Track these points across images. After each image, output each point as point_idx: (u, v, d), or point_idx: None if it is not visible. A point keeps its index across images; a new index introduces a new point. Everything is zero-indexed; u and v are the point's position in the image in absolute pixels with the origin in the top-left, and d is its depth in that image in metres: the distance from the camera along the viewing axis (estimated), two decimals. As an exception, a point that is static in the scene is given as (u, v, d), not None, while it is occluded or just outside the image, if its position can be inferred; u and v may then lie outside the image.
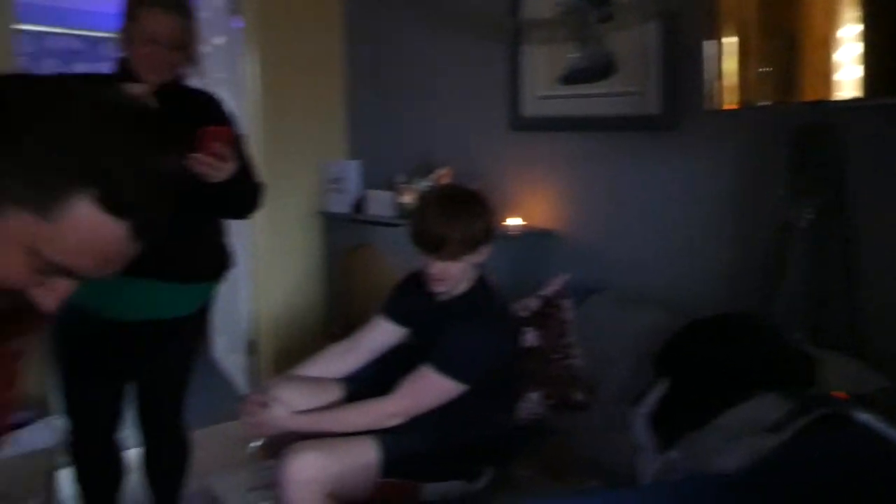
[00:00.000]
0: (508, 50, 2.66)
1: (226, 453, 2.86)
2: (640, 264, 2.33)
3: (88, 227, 0.71)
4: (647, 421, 1.64)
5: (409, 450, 1.72)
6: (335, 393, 1.91)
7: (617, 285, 2.33)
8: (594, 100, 2.42)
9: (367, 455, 1.68)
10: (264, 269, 3.25)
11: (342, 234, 3.27)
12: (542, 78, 2.57)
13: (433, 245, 1.67)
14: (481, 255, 1.76)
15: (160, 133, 0.77)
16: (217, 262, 1.96)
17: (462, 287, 1.79)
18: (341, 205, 3.23)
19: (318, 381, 1.91)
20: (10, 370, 0.97)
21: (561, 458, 1.95)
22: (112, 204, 0.71)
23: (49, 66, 4.96)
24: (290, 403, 1.80)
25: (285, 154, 3.18)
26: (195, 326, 1.98)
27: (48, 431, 2.27)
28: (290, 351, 3.33)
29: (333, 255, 3.37)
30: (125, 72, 1.79)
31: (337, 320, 3.31)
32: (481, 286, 1.82)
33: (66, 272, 0.74)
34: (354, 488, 1.70)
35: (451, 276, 1.73)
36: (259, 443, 2.53)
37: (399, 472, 1.73)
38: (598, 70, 2.41)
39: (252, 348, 3.40)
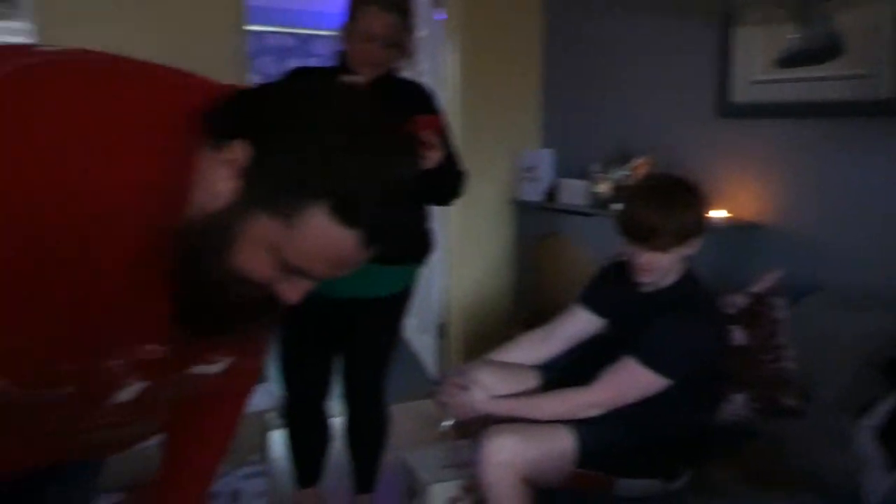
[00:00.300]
0: (717, 32, 2.51)
1: (416, 430, 2.99)
2: (862, 262, 2.12)
3: (322, 235, 0.75)
4: (876, 435, 1.50)
5: (605, 442, 1.70)
6: (531, 380, 1.92)
7: (832, 284, 2.14)
8: (816, 84, 2.23)
9: (563, 443, 1.68)
10: (458, 255, 3.34)
11: (534, 222, 3.28)
12: (757, 61, 2.41)
13: (643, 235, 1.63)
14: (691, 247, 1.69)
15: (399, 142, 0.79)
16: (420, 246, 2.04)
17: (669, 279, 1.73)
18: (534, 193, 3.24)
19: (515, 367, 1.94)
20: (259, 344, 1.07)
21: (767, 465, 1.84)
22: (345, 215, 0.74)
23: (265, 63, 5.40)
24: (488, 387, 1.83)
25: (481, 143, 3.24)
26: (398, 306, 2.07)
27: (265, 396, 2.48)
28: (478, 336, 3.40)
29: (524, 243, 3.39)
30: (343, 65, 1.90)
31: (525, 308, 3.34)
32: (689, 279, 1.74)
33: (302, 273, 0.79)
34: (548, 475, 1.70)
35: (659, 267, 1.67)
36: (451, 422, 2.61)
37: (594, 464, 1.71)
38: (821, 51, 2.22)
39: (442, 331, 3.51)
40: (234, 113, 0.78)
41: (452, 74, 3.28)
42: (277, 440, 2.71)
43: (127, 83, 0.78)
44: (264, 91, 0.81)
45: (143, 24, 2.41)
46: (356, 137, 0.75)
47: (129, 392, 0.86)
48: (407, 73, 2.13)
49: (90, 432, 0.91)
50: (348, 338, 2.07)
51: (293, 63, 5.40)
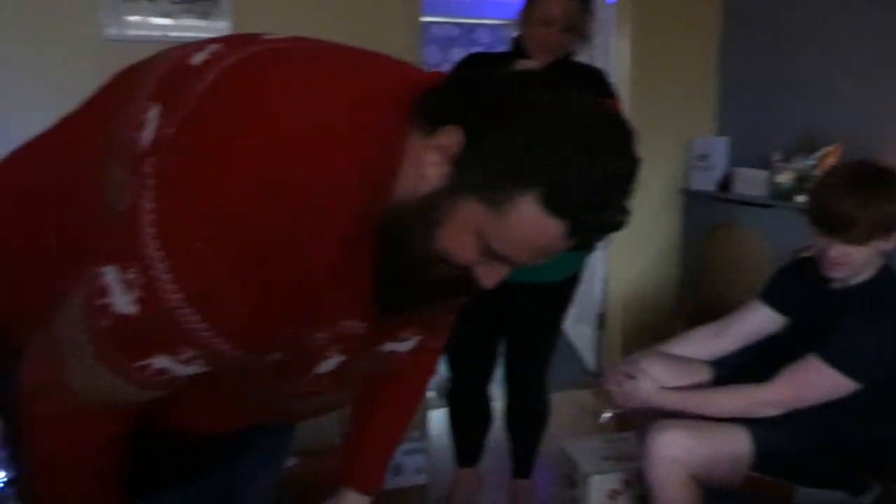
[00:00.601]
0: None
1: (573, 420, 2.97)
2: None
3: (529, 224, 0.76)
4: None
5: (785, 446, 1.60)
6: (703, 375, 1.84)
7: None
8: None
9: (738, 444, 1.60)
10: (621, 244, 3.26)
11: (704, 212, 3.14)
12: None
13: (839, 226, 1.51)
14: (891, 241, 1.54)
15: (617, 137, 0.78)
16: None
17: (863, 275, 1.59)
18: (706, 183, 3.09)
19: (685, 360, 1.86)
20: (446, 324, 1.10)
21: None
22: (556, 205, 0.75)
23: (430, 53, 5.52)
24: (656, 378, 1.78)
25: (651, 129, 3.12)
26: (566, 292, 2.06)
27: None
28: (638, 328, 3.31)
29: (692, 233, 3.25)
30: (519, 50, 1.90)
31: (690, 301, 3.20)
32: (887, 276, 1.60)
33: (504, 259, 0.80)
34: (720, 477, 1.63)
35: (853, 261, 1.55)
36: (612, 414, 2.57)
37: (772, 469, 1.61)
38: None
39: (601, 322, 3.45)
40: (445, 99, 0.80)
41: (622, 59, 3.19)
42: (437, 419, 2.78)
43: (340, 68, 0.83)
44: (476, 78, 0.82)
45: (326, 19, 2.53)
46: (574, 127, 0.75)
47: (328, 364, 0.91)
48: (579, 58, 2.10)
49: (291, 399, 0.97)
50: (515, 322, 2.08)
51: (457, 52, 5.52)
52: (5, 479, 1.80)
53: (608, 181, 0.76)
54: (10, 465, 1.21)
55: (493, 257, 0.80)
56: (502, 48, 2.06)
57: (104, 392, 0.81)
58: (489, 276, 0.83)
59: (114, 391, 0.81)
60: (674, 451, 1.60)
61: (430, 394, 2.59)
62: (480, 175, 0.76)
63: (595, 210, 0.77)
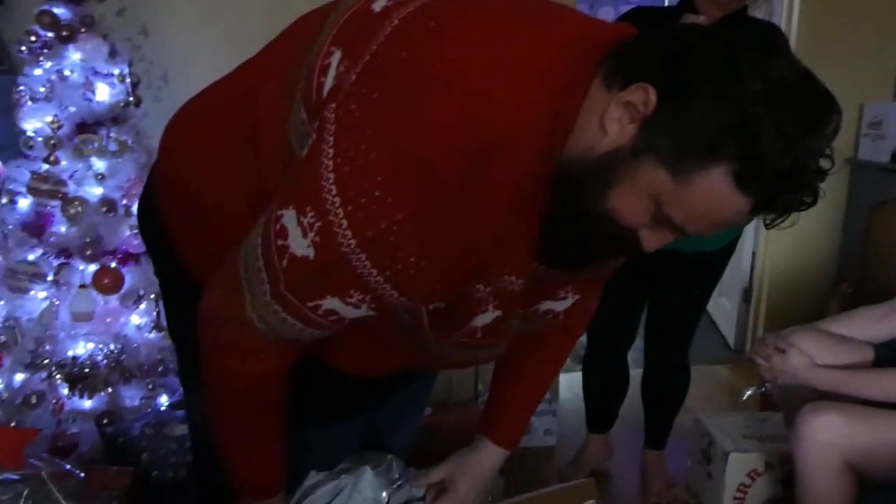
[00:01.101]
0: None
1: (710, 395, 2.87)
2: None
3: (713, 196, 0.73)
4: None
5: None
6: (863, 356, 1.71)
7: None
8: None
9: (903, 433, 1.49)
10: (776, 215, 3.07)
11: (872, 185, 2.89)
12: None
13: None
14: None
15: (821, 113, 0.73)
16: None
17: None
18: (876, 153, 2.84)
19: (844, 338, 1.74)
20: (600, 285, 1.08)
21: None
22: (746, 181, 0.71)
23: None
24: (810, 355, 1.67)
25: (819, 93, 2.90)
26: (719, 262, 1.97)
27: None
28: (787, 306, 3.13)
29: (857, 208, 3.00)
30: (687, 4, 1.80)
31: (849, 281, 2.98)
32: None
33: (675, 227, 0.77)
34: (878, 467, 1.52)
35: None
36: (753, 391, 2.46)
37: (941, 464, 1.49)
38: None
39: (746, 295, 3.29)
40: (639, 55, 0.76)
41: (790, 16, 2.96)
42: (569, 382, 2.77)
43: (523, 16, 0.81)
44: (673, 37, 0.78)
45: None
46: (778, 100, 0.70)
47: (484, 318, 0.92)
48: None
49: (442, 348, 0.99)
50: (662, 289, 2.01)
51: (605, 11, 5.34)
52: (169, 403, 1.97)
53: (806, 161, 0.71)
54: (182, 388, 1.32)
55: (664, 224, 0.78)
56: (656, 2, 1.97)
57: (277, 328, 0.86)
58: (653, 241, 0.81)
59: (285, 328, 0.86)
60: (829, 436, 1.51)
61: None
62: (670, 141, 0.72)
63: (787, 190, 0.73)
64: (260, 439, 0.97)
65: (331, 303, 0.82)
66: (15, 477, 0.65)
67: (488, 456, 1.18)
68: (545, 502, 1.38)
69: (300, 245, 0.79)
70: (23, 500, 0.64)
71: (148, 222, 1.14)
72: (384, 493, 1.13)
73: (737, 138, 0.70)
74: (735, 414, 2.35)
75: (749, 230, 3.19)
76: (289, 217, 0.79)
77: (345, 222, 0.75)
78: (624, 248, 0.85)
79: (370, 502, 1.11)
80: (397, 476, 1.20)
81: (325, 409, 1.12)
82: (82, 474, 0.98)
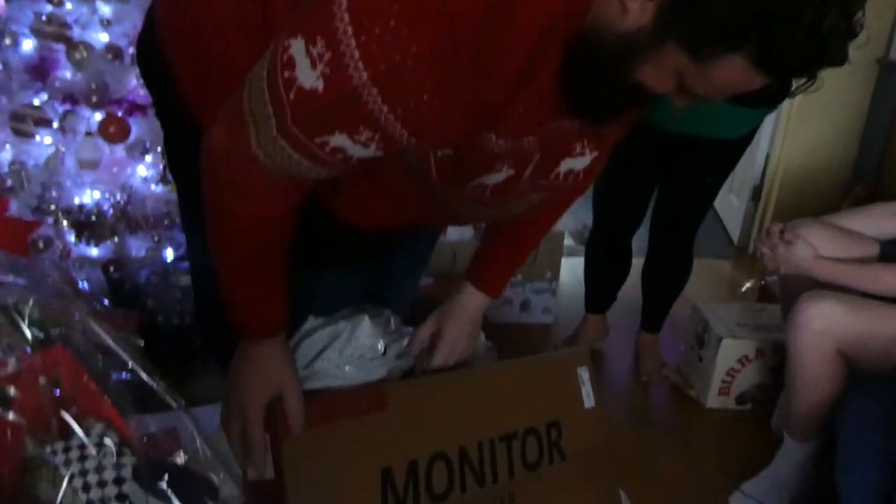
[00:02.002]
0: None
1: (710, 288, 2.90)
2: None
3: (733, 75, 0.76)
4: None
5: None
6: (869, 251, 1.70)
7: None
8: None
9: (897, 326, 1.50)
10: (796, 113, 3.00)
11: (900, 86, 2.80)
12: None
13: None
14: None
15: None
16: (777, 87, 1.84)
17: None
18: (909, 51, 2.74)
19: (851, 233, 1.73)
20: (616, 138, 1.06)
21: None
22: (765, 63, 0.73)
23: None
24: (815, 246, 1.67)
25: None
26: (735, 151, 1.93)
27: (566, 218, 2.53)
28: (797, 207, 3.10)
29: (882, 111, 2.93)
30: None
31: (862, 185, 2.95)
32: None
33: (699, 96, 0.81)
34: (870, 358, 1.54)
35: None
36: (752, 283, 2.48)
37: (931, 357, 1.51)
38: None
39: (756, 194, 3.26)
40: None
41: None
42: (570, 266, 2.79)
43: None
44: None
45: None
46: None
47: (495, 177, 0.91)
48: None
49: (450, 201, 0.98)
50: (674, 174, 1.98)
51: None
52: (175, 256, 2.00)
53: (827, 41, 0.72)
54: (185, 233, 1.32)
55: (686, 92, 0.81)
56: None
57: (283, 165, 0.84)
58: (679, 101, 0.84)
59: (292, 165, 0.84)
60: (825, 323, 1.53)
61: (567, 241, 2.58)
62: (691, 28, 0.73)
63: (806, 69, 0.76)
64: (262, 280, 0.98)
65: (339, 140, 0.80)
66: (21, 282, 0.65)
67: (472, 300, 1.21)
68: (540, 366, 1.42)
69: (308, 77, 0.76)
70: (28, 307, 0.64)
71: (148, 58, 1.11)
72: (381, 343, 1.15)
73: (754, 25, 0.70)
74: (732, 304, 2.38)
75: (767, 128, 3.12)
76: (297, 47, 0.76)
77: (357, 53, 0.72)
78: (649, 100, 0.86)
79: (367, 349, 1.13)
80: (394, 329, 1.22)
81: (328, 258, 1.13)
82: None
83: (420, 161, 0.89)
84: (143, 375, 0.65)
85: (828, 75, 2.55)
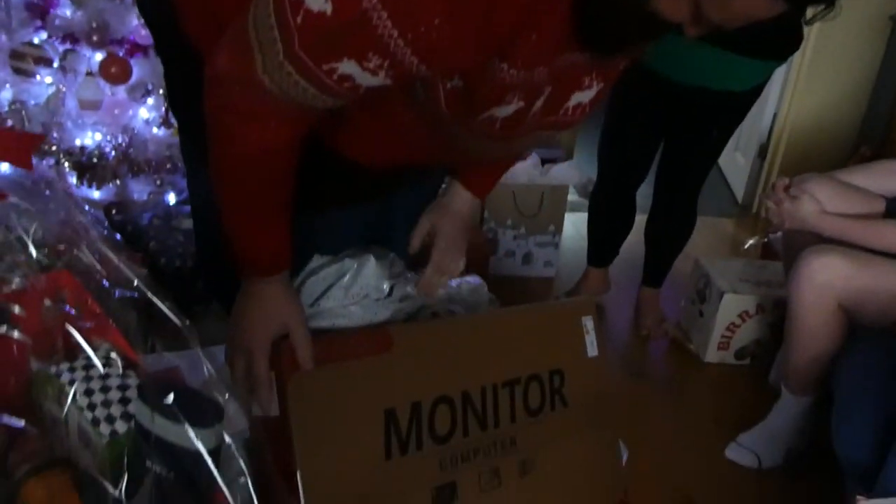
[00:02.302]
0: None
1: (712, 246, 2.90)
2: None
3: (753, 6, 0.74)
4: None
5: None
6: (874, 207, 1.70)
7: None
8: None
9: (899, 282, 1.50)
10: (805, 72, 2.95)
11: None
12: None
13: None
14: None
15: None
16: (791, 39, 1.81)
17: None
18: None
19: (857, 190, 1.72)
20: (620, 69, 1.04)
21: None
22: None
23: None
24: (821, 202, 1.66)
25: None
26: (744, 104, 1.90)
27: (570, 172, 2.52)
28: (803, 165, 3.07)
29: (892, 70, 2.89)
30: None
31: (870, 145, 2.92)
32: None
33: (710, 24, 0.78)
34: (870, 313, 1.55)
35: None
36: (755, 240, 2.48)
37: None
38: None
39: (762, 152, 3.23)
40: None
41: None
42: (573, 222, 2.79)
43: None
44: None
45: None
46: None
47: (505, 110, 0.89)
48: None
49: (457, 135, 0.97)
50: (681, 126, 1.95)
51: None
52: (177, 201, 1.99)
53: None
54: (186, 169, 1.31)
55: (704, 21, 0.78)
56: None
57: (290, 92, 0.83)
58: (693, 31, 0.81)
59: (298, 93, 0.83)
60: (827, 277, 1.53)
61: (571, 195, 2.57)
62: None
63: None
64: (266, 214, 0.97)
65: (347, 67, 0.79)
66: (27, 204, 0.65)
67: (462, 198, 1.22)
68: (545, 313, 1.42)
69: (316, 0, 0.74)
70: (33, 229, 0.64)
71: None
72: (386, 284, 1.15)
73: None
74: (735, 260, 2.38)
75: (776, 86, 3.09)
76: None
77: None
78: (663, 30, 0.83)
79: (372, 289, 1.13)
80: (398, 272, 1.22)
81: (333, 197, 1.12)
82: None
83: (429, 92, 0.87)
84: (150, 294, 0.65)
85: (840, 29, 2.53)
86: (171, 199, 1.96)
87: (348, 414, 1.04)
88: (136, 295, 0.66)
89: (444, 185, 1.29)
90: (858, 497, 1.11)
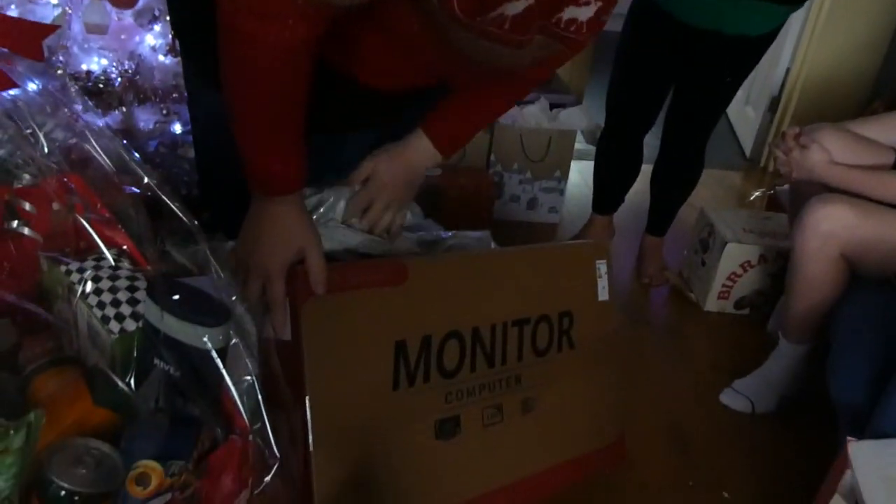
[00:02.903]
0: None
1: (717, 198, 2.89)
2: None
3: None
4: None
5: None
6: (883, 158, 1.68)
7: None
8: None
9: (904, 233, 1.50)
10: (821, 24, 2.90)
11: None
12: None
13: None
14: None
15: None
16: None
17: None
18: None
19: (868, 141, 1.70)
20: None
21: None
22: None
23: None
24: (831, 152, 1.65)
25: None
26: (758, 50, 1.88)
27: (578, 117, 2.50)
28: (815, 119, 3.02)
29: (910, 23, 2.84)
30: None
31: (884, 99, 2.89)
32: None
33: None
34: (872, 263, 1.55)
35: None
36: (761, 193, 2.47)
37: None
38: None
39: (773, 105, 3.20)
40: None
41: None
42: (579, 169, 2.77)
43: None
44: None
45: None
46: None
47: (515, 7, 0.87)
48: None
49: (464, 39, 0.94)
50: (693, 71, 1.93)
51: None
52: (184, 130, 1.98)
53: None
54: (187, 92, 1.30)
55: None
56: None
57: None
58: None
59: None
60: (832, 226, 1.53)
61: (579, 145, 2.55)
62: None
63: None
64: (282, 126, 0.95)
65: None
66: (41, 99, 0.64)
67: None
68: (560, 254, 1.43)
69: None
70: (47, 125, 0.64)
71: None
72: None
73: None
74: (740, 211, 2.37)
75: (790, 39, 3.04)
76: None
77: None
78: None
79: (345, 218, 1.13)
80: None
81: (341, 119, 1.11)
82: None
83: None
84: (160, 193, 0.66)
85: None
86: (178, 129, 1.94)
87: (359, 342, 1.06)
88: (149, 194, 0.67)
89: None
90: (849, 439, 1.12)
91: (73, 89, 1.81)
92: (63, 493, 0.54)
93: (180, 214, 0.67)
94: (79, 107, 1.84)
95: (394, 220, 1.21)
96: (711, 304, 2.15)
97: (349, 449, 1.04)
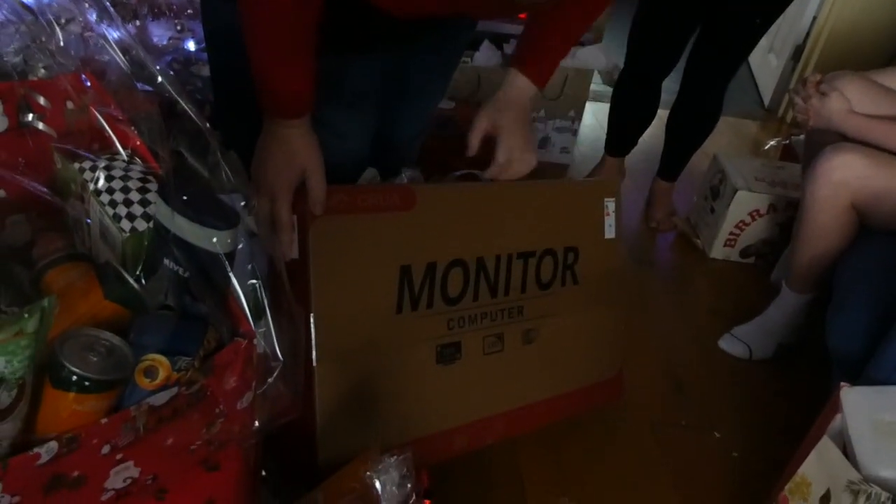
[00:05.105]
0: None
1: (732, 146, 2.86)
2: None
3: None
4: None
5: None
6: (902, 110, 1.67)
7: None
8: None
9: (917, 186, 1.49)
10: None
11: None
12: None
13: None
14: None
15: None
16: None
17: None
18: None
19: (889, 91, 1.68)
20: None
21: None
22: None
23: None
24: (850, 101, 1.62)
25: None
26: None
27: (595, 57, 2.46)
28: (838, 69, 2.99)
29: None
30: None
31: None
32: None
33: None
34: (882, 214, 1.54)
35: None
36: (776, 142, 2.44)
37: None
38: None
39: (796, 54, 3.13)
40: None
41: None
42: (593, 111, 2.74)
43: None
44: None
45: None
46: None
47: None
48: None
49: None
50: (720, 13, 1.88)
51: None
52: (197, 48, 1.96)
53: None
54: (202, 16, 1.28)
55: None
56: None
57: None
58: None
59: None
60: (844, 175, 1.51)
61: (595, 85, 2.51)
62: None
63: None
64: (294, 47, 0.95)
65: None
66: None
67: (520, 86, 1.18)
68: (570, 189, 1.43)
69: None
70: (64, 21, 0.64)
71: None
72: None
73: None
74: (753, 159, 2.36)
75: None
76: None
77: None
78: None
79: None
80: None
81: (353, 41, 1.10)
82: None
83: None
84: (172, 93, 0.66)
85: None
86: (191, 46, 1.92)
87: (366, 265, 1.07)
88: (166, 96, 0.67)
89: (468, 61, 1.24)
90: (842, 384, 1.14)
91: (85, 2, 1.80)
92: (74, 377, 0.56)
93: (192, 116, 0.67)
94: (93, 17, 1.83)
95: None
96: (717, 252, 2.15)
97: (351, 367, 1.07)
